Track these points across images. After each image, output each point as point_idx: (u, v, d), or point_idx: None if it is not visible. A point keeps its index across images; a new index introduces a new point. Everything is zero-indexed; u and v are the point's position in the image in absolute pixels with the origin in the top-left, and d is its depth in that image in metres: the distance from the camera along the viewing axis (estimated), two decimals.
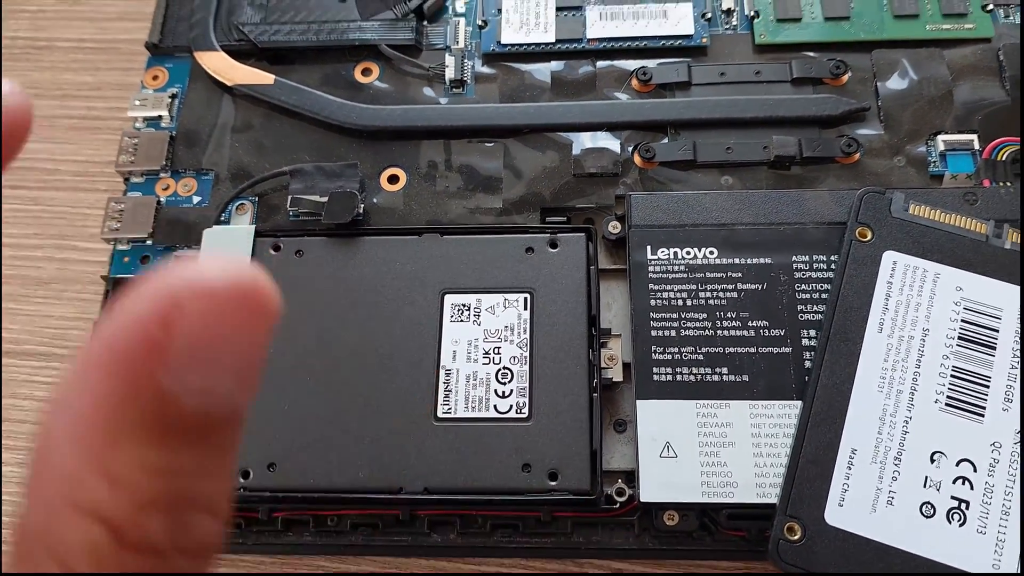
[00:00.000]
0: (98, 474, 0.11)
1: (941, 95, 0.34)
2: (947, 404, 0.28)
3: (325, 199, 0.33)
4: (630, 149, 0.34)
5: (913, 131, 0.34)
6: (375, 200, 0.35)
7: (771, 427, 0.28)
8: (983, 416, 0.27)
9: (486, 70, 0.37)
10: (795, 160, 0.33)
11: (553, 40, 0.37)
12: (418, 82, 0.37)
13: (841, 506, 0.27)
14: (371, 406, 0.30)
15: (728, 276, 0.30)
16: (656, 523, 0.29)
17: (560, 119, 0.35)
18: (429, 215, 0.34)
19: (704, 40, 0.36)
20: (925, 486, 0.27)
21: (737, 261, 0.31)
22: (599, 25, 0.37)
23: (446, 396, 0.30)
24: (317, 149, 0.36)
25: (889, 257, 0.29)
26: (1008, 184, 0.32)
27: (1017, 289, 0.29)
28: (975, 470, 0.27)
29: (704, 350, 0.30)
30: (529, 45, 0.37)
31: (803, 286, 0.30)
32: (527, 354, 0.30)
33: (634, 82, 0.36)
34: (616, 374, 0.30)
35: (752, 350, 0.29)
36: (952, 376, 0.28)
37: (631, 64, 0.36)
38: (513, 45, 0.37)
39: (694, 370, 0.29)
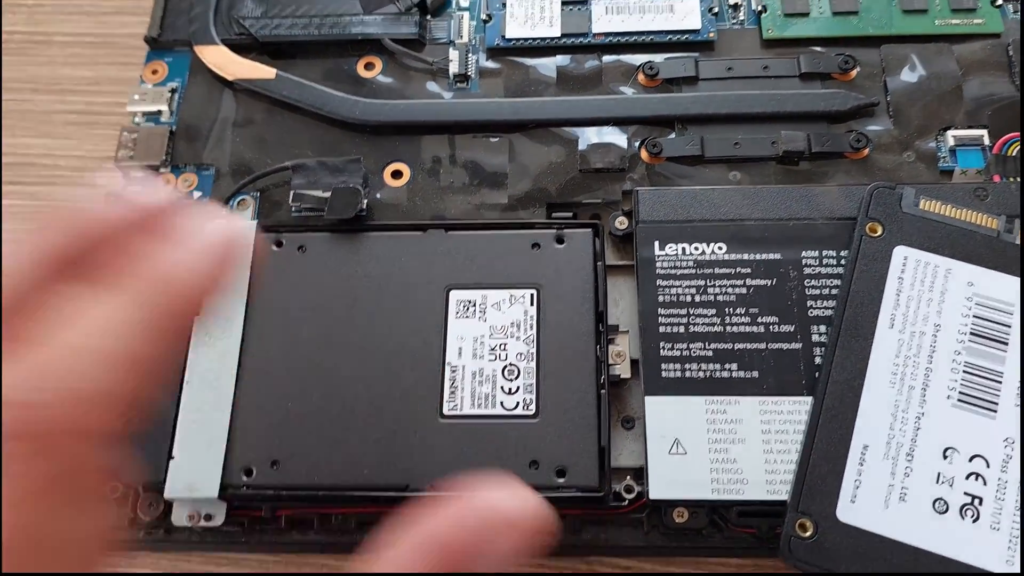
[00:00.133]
0: None
1: (950, 90, 0.34)
2: (959, 400, 0.27)
3: (328, 194, 0.33)
4: (637, 144, 0.34)
5: (922, 126, 0.33)
6: (378, 195, 0.34)
7: (781, 423, 0.28)
8: (995, 412, 0.27)
9: (490, 65, 0.37)
10: (804, 155, 0.33)
11: (558, 34, 0.36)
12: (421, 77, 0.37)
13: (853, 503, 0.26)
14: (376, 403, 0.29)
15: (737, 272, 0.30)
16: (665, 520, 0.28)
17: (566, 114, 0.35)
18: (433, 211, 0.34)
19: (711, 35, 0.36)
20: (938, 482, 0.26)
21: (746, 257, 0.30)
22: (605, 19, 0.36)
23: (452, 393, 0.29)
24: (319, 144, 0.35)
25: (900, 252, 0.29)
26: (1018, 179, 0.31)
27: None
28: (988, 466, 0.26)
29: (713, 346, 0.29)
30: (534, 40, 0.36)
31: (813, 282, 0.30)
32: (534, 351, 0.30)
33: (641, 77, 0.35)
34: (624, 371, 0.30)
35: (762, 346, 0.29)
36: (964, 372, 0.28)
37: (637, 59, 0.36)
38: (518, 40, 0.36)
39: (703, 366, 0.29)
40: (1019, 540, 0.26)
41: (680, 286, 0.30)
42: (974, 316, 0.28)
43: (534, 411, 0.29)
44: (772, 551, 0.27)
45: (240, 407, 0.29)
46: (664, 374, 0.29)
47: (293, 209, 0.34)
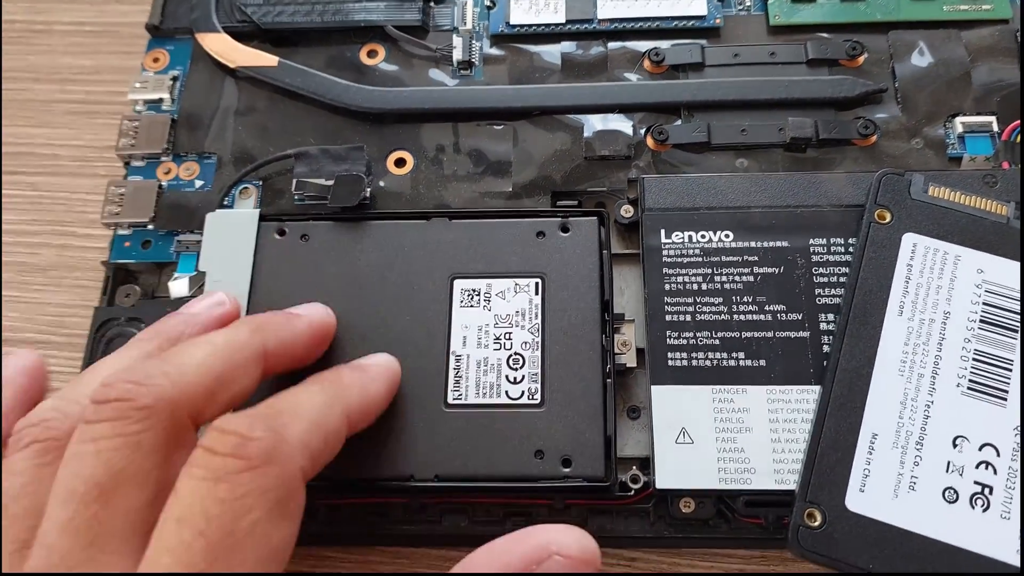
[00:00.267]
0: None
1: (959, 76, 0.33)
2: (969, 388, 0.27)
3: (331, 182, 0.33)
4: (643, 131, 0.34)
5: (931, 113, 0.33)
6: (382, 184, 0.34)
7: (789, 412, 0.28)
8: (1006, 400, 0.27)
9: (495, 51, 0.36)
10: (811, 142, 0.33)
11: (563, 21, 0.36)
12: (425, 64, 0.36)
13: (862, 492, 0.26)
14: None
15: (744, 260, 0.30)
16: (672, 510, 0.28)
17: (571, 101, 0.34)
18: (437, 199, 0.33)
19: (718, 21, 0.35)
20: (948, 471, 0.26)
21: (753, 244, 0.30)
22: (610, 5, 0.36)
23: (456, 382, 0.29)
24: (322, 132, 0.35)
25: (909, 239, 0.29)
26: None
27: None
28: (998, 455, 0.26)
29: (720, 335, 0.29)
30: (539, 26, 0.36)
31: (820, 269, 0.29)
32: (539, 340, 0.29)
33: (646, 63, 0.35)
34: (630, 360, 0.30)
35: (769, 334, 0.29)
36: (974, 359, 0.27)
37: (643, 45, 0.35)
38: (522, 26, 0.36)
39: (710, 355, 0.29)
40: None
41: (686, 274, 0.30)
42: (984, 303, 0.28)
43: (539, 400, 0.29)
44: (779, 541, 0.27)
45: None
46: (670, 363, 0.29)
47: (296, 197, 0.33)
